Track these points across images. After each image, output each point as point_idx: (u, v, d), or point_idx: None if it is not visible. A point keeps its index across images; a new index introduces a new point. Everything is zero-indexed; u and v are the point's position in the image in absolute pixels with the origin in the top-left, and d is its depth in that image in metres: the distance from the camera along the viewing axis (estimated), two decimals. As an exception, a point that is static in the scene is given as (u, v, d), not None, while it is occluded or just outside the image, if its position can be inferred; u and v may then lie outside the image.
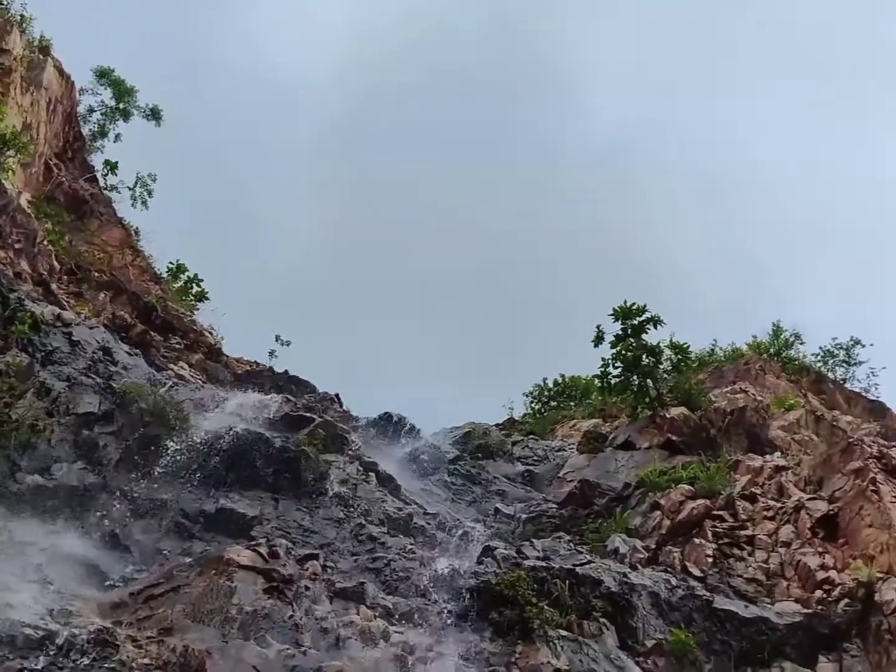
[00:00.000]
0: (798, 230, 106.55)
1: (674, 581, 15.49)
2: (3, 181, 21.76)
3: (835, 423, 25.88)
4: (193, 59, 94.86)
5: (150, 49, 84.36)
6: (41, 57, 27.56)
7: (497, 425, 30.40)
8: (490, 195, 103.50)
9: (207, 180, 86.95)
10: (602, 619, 13.96)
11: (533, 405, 37.66)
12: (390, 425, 25.48)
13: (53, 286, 21.67)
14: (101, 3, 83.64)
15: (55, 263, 23.11)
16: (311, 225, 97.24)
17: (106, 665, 9.97)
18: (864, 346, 33.81)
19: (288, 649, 11.28)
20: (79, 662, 9.92)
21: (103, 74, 32.96)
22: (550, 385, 37.99)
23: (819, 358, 34.06)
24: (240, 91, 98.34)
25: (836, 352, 34.09)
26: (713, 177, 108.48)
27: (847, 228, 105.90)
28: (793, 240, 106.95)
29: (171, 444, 16.32)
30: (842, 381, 33.82)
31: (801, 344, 34.07)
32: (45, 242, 22.83)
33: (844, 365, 34.05)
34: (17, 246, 20.79)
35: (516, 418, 33.74)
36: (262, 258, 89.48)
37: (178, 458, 16.18)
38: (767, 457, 21.01)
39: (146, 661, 10.16)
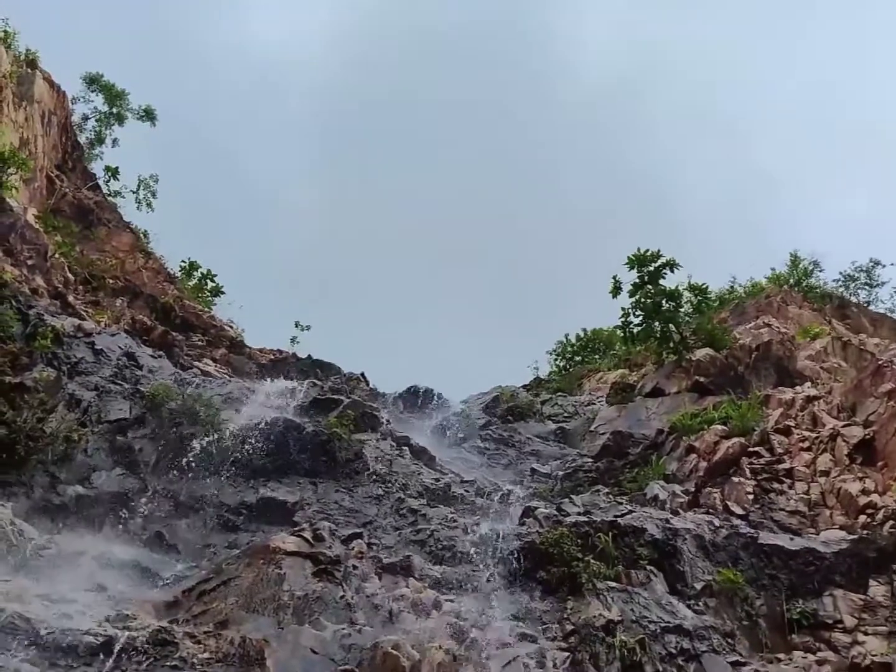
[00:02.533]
0: (808, 154, 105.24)
1: (716, 522, 15.53)
2: (8, 199, 21.83)
3: (862, 347, 25.70)
4: (178, 49, 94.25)
5: (133, 44, 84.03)
6: (29, 71, 27.51)
7: (524, 386, 30.43)
8: (491, 151, 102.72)
9: (204, 168, 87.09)
10: (649, 567, 14.05)
11: (557, 362, 37.63)
12: (418, 398, 25.60)
13: (70, 298, 21.80)
14: (75, 4, 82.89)
15: (69, 275, 23.23)
16: (314, 198, 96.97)
17: (167, 663, 10.16)
18: (884, 266, 33.53)
19: (343, 629, 11.43)
20: (141, 663, 10.10)
21: (93, 81, 32.90)
22: (573, 340, 37.90)
23: (840, 283, 33.82)
24: (228, 74, 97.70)
25: (857, 275, 33.83)
26: (718, 108, 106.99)
27: (858, 146, 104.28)
28: (804, 165, 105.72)
29: (205, 440, 16.45)
30: (865, 304, 33.56)
31: (820, 272, 33.82)
32: (57, 255, 22.93)
33: (866, 287, 33.80)
34: (29, 262, 20.90)
35: (542, 377, 33.72)
36: (269, 239, 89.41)
37: (214, 453, 16.33)
38: (798, 388, 20.94)
39: (206, 655, 10.34)
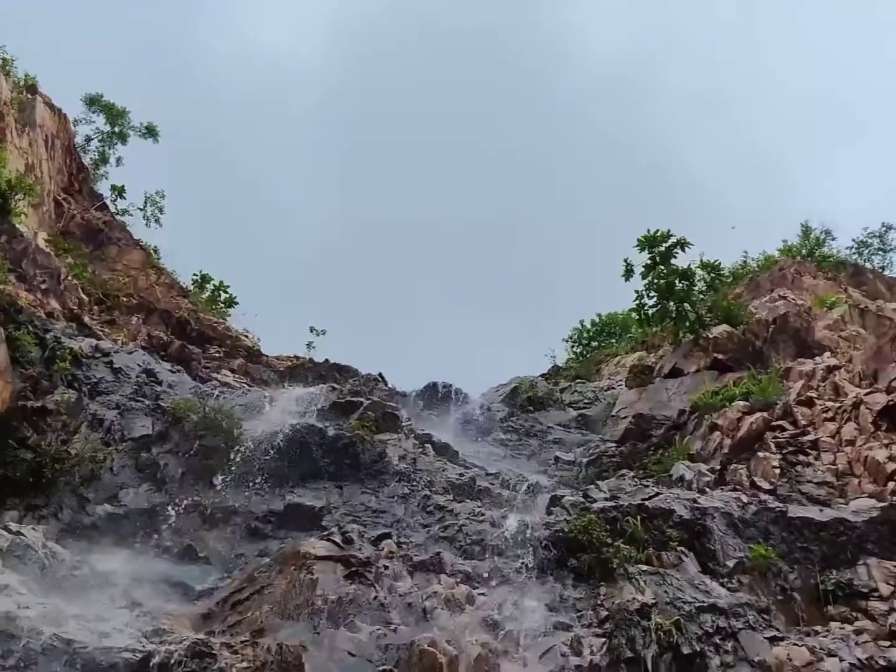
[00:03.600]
0: (812, 126, 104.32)
1: (744, 498, 15.49)
2: (18, 225, 21.97)
3: (880, 313, 25.45)
4: (177, 61, 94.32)
5: (132, 58, 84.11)
6: (29, 96, 27.67)
7: (542, 375, 30.37)
8: (496, 147, 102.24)
9: (212, 179, 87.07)
10: (679, 548, 14.03)
11: (574, 349, 37.57)
12: (437, 394, 25.63)
13: (86, 319, 21.94)
14: (72, 18, 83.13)
15: (83, 296, 23.37)
16: (322, 203, 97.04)
17: (207, 675, 10.24)
18: (896, 229, 33.28)
19: (378, 629, 11.48)
20: (181, 676, 10.18)
21: (93, 101, 33.10)
22: (588, 326, 37.84)
23: (853, 251, 33.59)
24: (230, 83, 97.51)
25: (870, 241, 33.60)
26: (718, 87, 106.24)
27: (860, 116, 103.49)
28: (809, 137, 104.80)
29: (229, 451, 16.54)
30: (880, 270, 33.33)
31: (832, 240, 33.61)
32: (70, 277, 23.07)
33: (880, 253, 33.58)
34: (43, 286, 21.04)
35: (560, 365, 33.64)
36: (279, 245, 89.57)
37: (238, 463, 16.41)
38: (817, 359, 20.82)
39: (244, 664, 10.40)
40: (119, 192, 32.47)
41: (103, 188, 32.66)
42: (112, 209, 31.96)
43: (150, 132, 34.00)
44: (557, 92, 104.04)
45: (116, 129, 33.43)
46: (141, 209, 32.82)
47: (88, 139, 33.38)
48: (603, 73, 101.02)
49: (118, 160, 33.84)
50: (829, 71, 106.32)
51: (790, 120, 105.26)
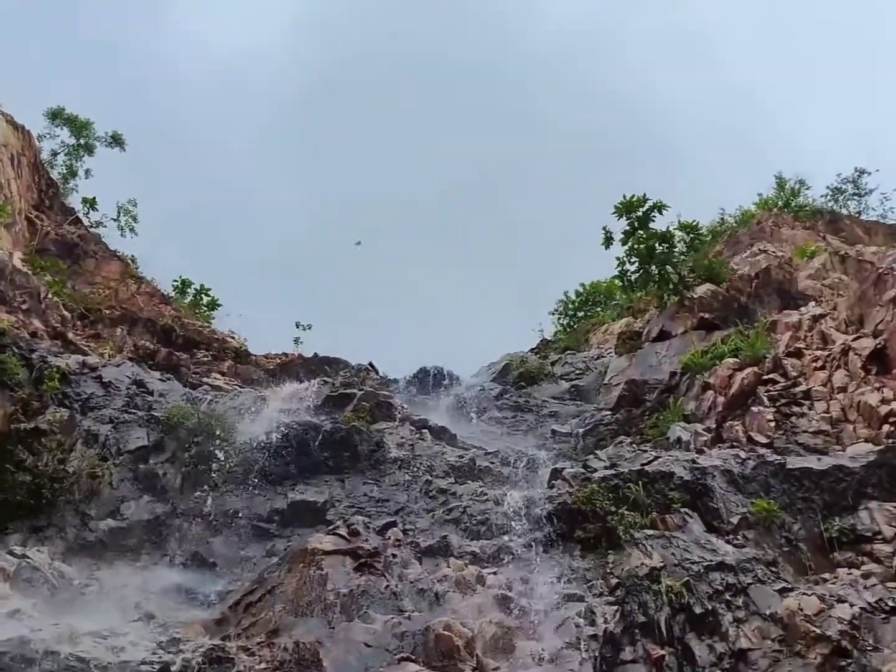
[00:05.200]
0: (788, 63, 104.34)
1: (742, 454, 15.60)
2: (-8, 248, 21.82)
3: (860, 258, 25.70)
4: (140, 67, 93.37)
5: (90, 67, 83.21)
6: (-10, 116, 27.40)
7: (531, 350, 30.48)
8: (470, 117, 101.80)
9: (177, 179, 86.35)
10: (683, 510, 14.12)
11: (561, 321, 37.66)
12: (428, 379, 25.72)
13: (70, 335, 21.80)
14: (31, 31, 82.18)
15: (65, 313, 23.22)
16: (294, 195, 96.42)
17: (226, 679, 10.26)
18: (869, 173, 33.48)
19: (392, 618, 11.51)
20: (200, 683, 10.20)
21: (56, 115, 32.77)
22: (573, 297, 37.89)
23: (829, 198, 33.75)
24: (192, 84, 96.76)
25: (844, 187, 33.78)
26: (687, 30, 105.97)
27: (837, 54, 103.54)
28: (787, 75, 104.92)
29: (227, 454, 16.52)
30: (857, 215, 33.53)
31: (807, 189, 33.81)
32: (50, 295, 22.91)
33: (855, 198, 33.74)
34: (23, 307, 20.89)
35: (548, 338, 33.73)
36: (256, 241, 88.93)
37: (237, 465, 16.40)
38: (802, 309, 20.94)
39: (262, 666, 10.41)
40: (91, 204, 32.19)
41: (74, 202, 32.42)
42: (85, 222, 31.71)
43: (116, 141, 33.72)
44: (529, 52, 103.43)
45: (82, 142, 33.10)
46: (114, 220, 32.58)
47: (55, 154, 33.10)
48: (574, 27, 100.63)
49: (87, 172, 33.59)
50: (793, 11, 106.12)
51: (768, 55, 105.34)
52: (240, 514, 15.57)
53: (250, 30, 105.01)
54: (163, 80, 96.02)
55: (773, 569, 13.19)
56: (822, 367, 17.75)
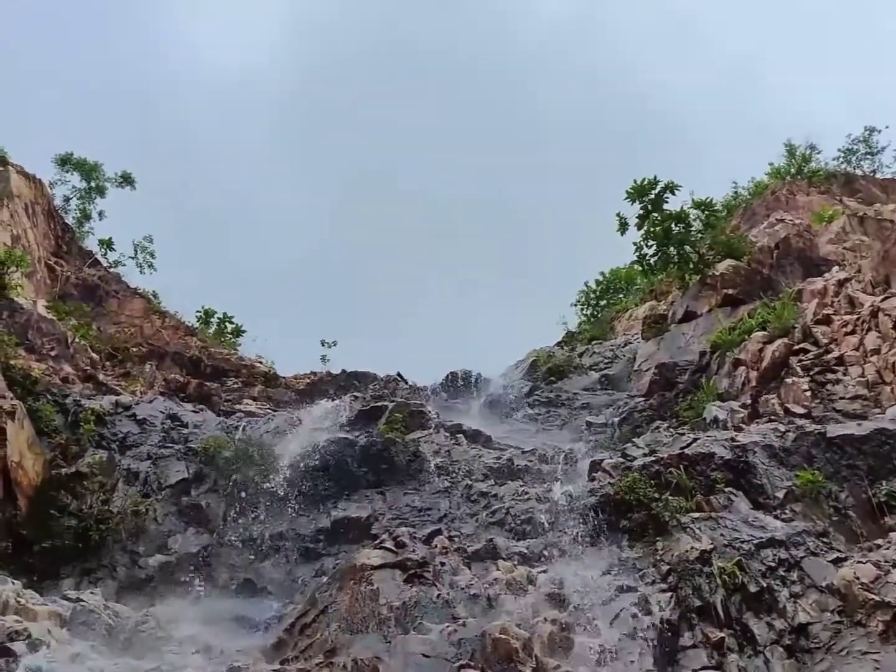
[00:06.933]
0: (779, 41, 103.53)
1: (781, 427, 15.46)
2: (16, 298, 22.05)
3: (880, 217, 25.34)
4: (138, 90, 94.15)
5: (77, 100, 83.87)
6: (1, 168, 27.71)
7: (557, 344, 30.35)
8: (468, 115, 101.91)
9: (188, 201, 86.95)
10: (727, 489, 14.04)
11: (584, 311, 37.49)
12: (457, 383, 25.66)
13: (101, 376, 22.01)
14: (25, 64, 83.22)
15: (93, 355, 23.44)
16: (299, 204, 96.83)
17: (290, 703, 10.30)
18: (879, 131, 33.09)
19: (447, 626, 11.51)
20: (264, 709, 10.25)
21: (65, 161, 33.10)
22: (593, 287, 37.73)
23: (841, 160, 33.39)
24: (189, 101, 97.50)
25: (856, 147, 33.39)
26: (683, 12, 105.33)
27: (825, 14, 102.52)
28: (789, 47, 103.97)
29: (267, 479, 16.61)
30: (872, 174, 33.14)
31: (818, 154, 33.41)
32: (77, 339, 23.13)
33: (868, 157, 33.35)
34: (52, 353, 21.13)
35: (573, 330, 33.61)
36: (265, 254, 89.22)
37: (278, 489, 16.49)
38: (826, 275, 20.72)
39: (324, 685, 10.47)
40: (107, 245, 32.49)
41: (91, 244, 32.69)
42: (104, 263, 31.98)
43: (126, 180, 33.97)
44: (524, 48, 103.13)
45: (93, 184, 33.42)
46: (132, 257, 32.88)
47: (67, 199, 33.39)
48: (566, 14, 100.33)
49: (100, 214, 33.88)
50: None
51: (766, 29, 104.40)
52: (286, 537, 15.66)
53: (244, 42, 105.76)
54: (164, 106, 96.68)
55: (825, 540, 13.08)
56: (853, 332, 17.54)
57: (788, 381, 17.07)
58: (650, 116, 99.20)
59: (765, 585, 12.13)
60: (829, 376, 16.92)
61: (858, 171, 33.20)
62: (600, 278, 37.67)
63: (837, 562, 12.45)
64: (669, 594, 12.00)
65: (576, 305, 37.72)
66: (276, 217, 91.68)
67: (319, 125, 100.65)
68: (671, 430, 17.28)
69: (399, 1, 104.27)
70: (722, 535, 12.95)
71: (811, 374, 17.02)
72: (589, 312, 37.09)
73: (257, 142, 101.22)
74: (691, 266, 24.30)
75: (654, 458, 14.86)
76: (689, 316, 23.58)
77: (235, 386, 25.71)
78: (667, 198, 24.13)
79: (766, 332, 18.74)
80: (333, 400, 20.74)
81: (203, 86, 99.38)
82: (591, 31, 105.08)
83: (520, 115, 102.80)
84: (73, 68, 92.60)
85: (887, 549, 12.69)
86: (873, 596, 11.69)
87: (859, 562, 12.28)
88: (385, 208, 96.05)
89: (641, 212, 24.22)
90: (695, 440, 15.40)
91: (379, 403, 19.74)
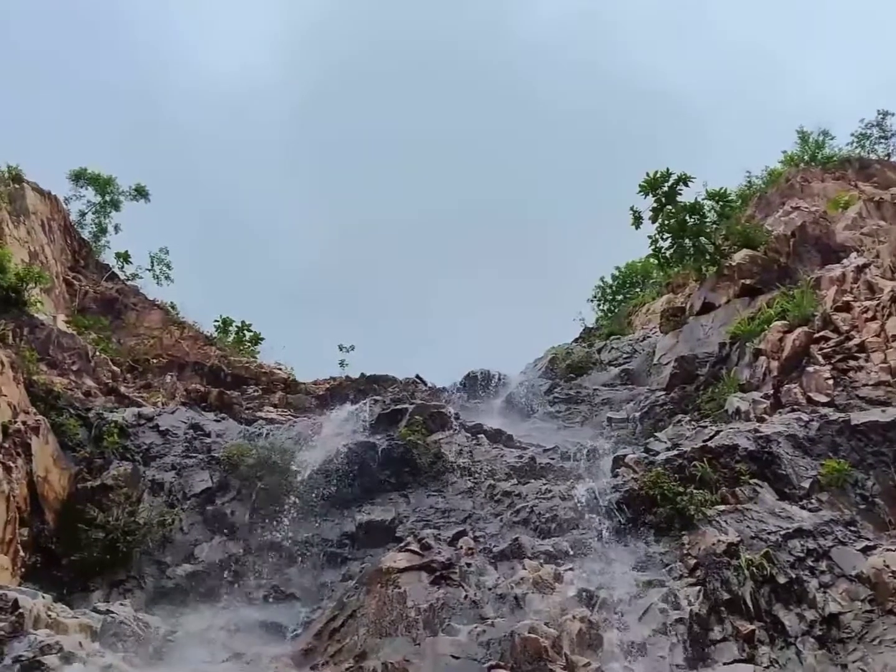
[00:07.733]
0: (801, 20, 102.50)
1: (804, 416, 15.37)
2: (36, 314, 22.21)
3: (896, 201, 25.13)
4: (141, 105, 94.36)
5: (80, 112, 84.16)
6: (17, 186, 27.89)
7: (575, 340, 30.31)
8: (475, 117, 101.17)
9: (200, 211, 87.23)
10: (752, 481, 13.98)
11: (601, 307, 37.43)
12: (477, 383, 25.66)
13: (122, 389, 22.13)
14: (30, 82, 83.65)
15: (114, 367, 23.57)
16: (310, 217, 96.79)
17: (322, 708, 10.33)
18: (893, 114, 32.83)
19: (476, 627, 11.52)
20: (297, 715, 10.29)
21: (79, 176, 33.33)
22: (609, 282, 37.63)
23: (855, 145, 33.13)
24: (190, 115, 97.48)
25: (869, 131, 33.13)
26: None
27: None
28: (798, 31, 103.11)
29: (290, 485, 16.66)
30: (886, 158, 32.86)
31: (831, 139, 33.15)
32: (97, 353, 23.27)
33: (882, 141, 33.08)
34: (74, 368, 21.26)
35: (590, 326, 33.52)
36: (276, 261, 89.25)
37: (302, 494, 16.54)
38: (845, 261, 20.57)
39: (355, 690, 10.49)
40: (124, 258, 32.68)
41: (108, 258, 32.89)
42: (121, 276, 32.16)
43: (140, 193, 34.16)
44: (527, 43, 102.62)
45: (107, 198, 33.66)
46: (149, 269, 33.09)
47: (83, 214, 33.61)
48: (565, 16, 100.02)
49: (116, 227, 34.09)
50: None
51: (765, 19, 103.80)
52: (311, 542, 15.70)
53: (241, 54, 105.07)
54: (165, 125, 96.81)
55: (853, 528, 12.99)
56: (874, 318, 17.40)
57: (810, 369, 16.95)
58: (660, 108, 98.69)
59: (794, 576, 12.07)
60: (851, 363, 16.79)
61: (873, 156, 32.89)
62: (616, 273, 37.62)
63: (866, 550, 12.37)
64: (698, 588, 11.96)
65: (592, 301, 37.69)
66: (286, 224, 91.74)
67: (329, 130, 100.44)
68: (693, 423, 17.21)
69: (399, 1, 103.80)
70: (748, 527, 12.89)
71: (833, 361, 16.90)
72: (606, 308, 37.03)
73: (268, 149, 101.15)
74: (707, 257, 24.18)
75: (677, 452, 14.81)
76: (707, 308, 23.47)
77: (256, 393, 25.79)
78: (680, 190, 23.99)
79: (785, 321, 18.62)
80: (354, 404, 20.76)
81: (209, 95, 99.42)
82: (593, 27, 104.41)
83: (528, 113, 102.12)
84: (76, 76, 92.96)
85: (917, 535, 12.61)
86: (904, 583, 11.60)
87: (889, 549, 12.20)
88: (396, 211, 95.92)
89: (655, 205, 24.11)
90: (717, 432, 15.33)
91: (399, 406, 19.73)
